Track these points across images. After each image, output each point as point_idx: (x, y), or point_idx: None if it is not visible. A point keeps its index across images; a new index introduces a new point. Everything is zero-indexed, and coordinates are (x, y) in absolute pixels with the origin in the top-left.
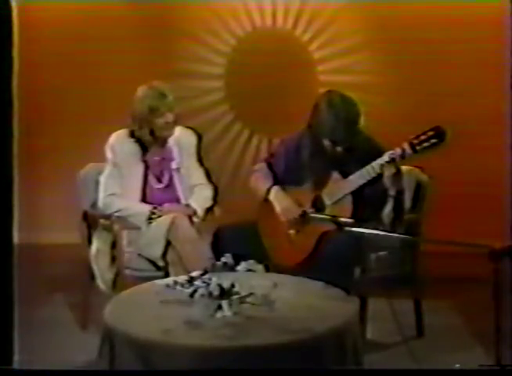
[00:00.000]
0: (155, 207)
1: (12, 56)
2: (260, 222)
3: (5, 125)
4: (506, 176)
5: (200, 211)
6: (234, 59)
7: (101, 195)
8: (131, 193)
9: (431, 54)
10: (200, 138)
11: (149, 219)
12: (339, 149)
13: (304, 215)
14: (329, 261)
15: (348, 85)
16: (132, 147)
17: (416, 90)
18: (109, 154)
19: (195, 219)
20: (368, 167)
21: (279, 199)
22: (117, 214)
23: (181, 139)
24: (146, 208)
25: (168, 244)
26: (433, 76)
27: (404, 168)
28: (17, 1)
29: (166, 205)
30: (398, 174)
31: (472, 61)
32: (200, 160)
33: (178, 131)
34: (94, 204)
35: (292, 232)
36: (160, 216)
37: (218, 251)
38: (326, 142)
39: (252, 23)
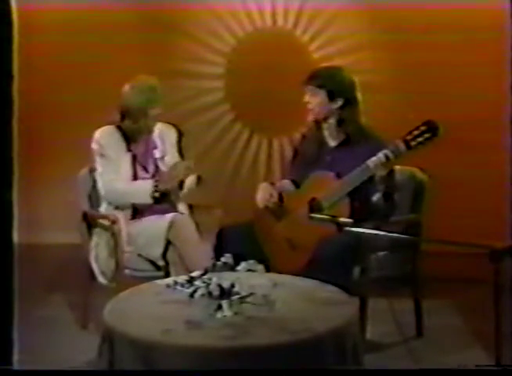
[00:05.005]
0: (157, 180)
1: (12, 55)
2: (259, 231)
3: (5, 125)
4: (506, 176)
5: (185, 189)
6: (234, 59)
7: (100, 185)
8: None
9: (431, 53)
10: (180, 133)
11: (153, 194)
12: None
13: (281, 200)
14: (328, 261)
15: None
16: (118, 139)
17: (416, 90)
18: (96, 147)
19: (187, 183)
20: (363, 166)
21: (260, 188)
22: (121, 200)
23: (163, 131)
24: (148, 184)
25: (168, 243)
26: (433, 75)
27: (404, 168)
28: (17, 0)
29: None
30: (390, 173)
31: (472, 61)
32: (181, 153)
33: (160, 125)
34: (90, 198)
35: (291, 238)
36: (163, 191)
37: (220, 251)
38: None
39: (252, 24)
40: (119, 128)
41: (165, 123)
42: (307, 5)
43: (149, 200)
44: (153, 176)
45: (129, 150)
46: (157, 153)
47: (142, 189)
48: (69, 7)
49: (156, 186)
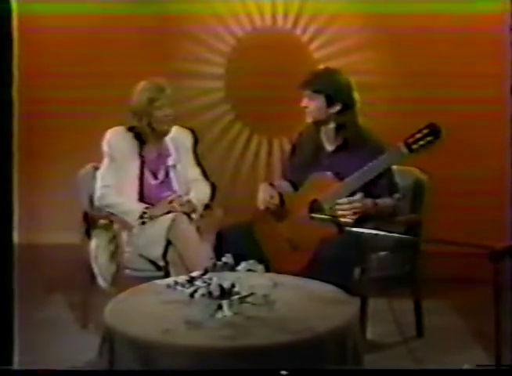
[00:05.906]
0: (147, 207)
1: (12, 55)
2: (259, 232)
3: (5, 125)
4: (506, 176)
5: (200, 208)
6: (234, 59)
7: (98, 186)
8: (128, 188)
9: (432, 54)
10: (196, 138)
11: (141, 218)
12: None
13: (282, 202)
14: (329, 261)
15: None
16: (129, 142)
17: (416, 90)
18: (105, 148)
19: (193, 216)
20: (364, 169)
21: (261, 189)
22: (109, 209)
23: (177, 136)
24: (139, 207)
25: (168, 243)
26: (433, 76)
27: (403, 168)
28: (17, 1)
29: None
30: (391, 177)
31: (472, 61)
32: (197, 159)
33: (175, 129)
34: (91, 198)
35: (292, 238)
36: (151, 217)
37: (220, 251)
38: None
39: (252, 23)
40: (131, 129)
41: (181, 127)
42: (307, 5)
43: (134, 223)
44: (162, 183)
45: (140, 153)
46: (170, 161)
47: (131, 210)
48: (69, 7)
49: (144, 216)
